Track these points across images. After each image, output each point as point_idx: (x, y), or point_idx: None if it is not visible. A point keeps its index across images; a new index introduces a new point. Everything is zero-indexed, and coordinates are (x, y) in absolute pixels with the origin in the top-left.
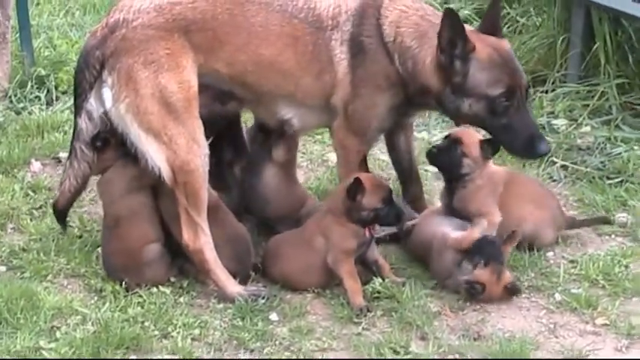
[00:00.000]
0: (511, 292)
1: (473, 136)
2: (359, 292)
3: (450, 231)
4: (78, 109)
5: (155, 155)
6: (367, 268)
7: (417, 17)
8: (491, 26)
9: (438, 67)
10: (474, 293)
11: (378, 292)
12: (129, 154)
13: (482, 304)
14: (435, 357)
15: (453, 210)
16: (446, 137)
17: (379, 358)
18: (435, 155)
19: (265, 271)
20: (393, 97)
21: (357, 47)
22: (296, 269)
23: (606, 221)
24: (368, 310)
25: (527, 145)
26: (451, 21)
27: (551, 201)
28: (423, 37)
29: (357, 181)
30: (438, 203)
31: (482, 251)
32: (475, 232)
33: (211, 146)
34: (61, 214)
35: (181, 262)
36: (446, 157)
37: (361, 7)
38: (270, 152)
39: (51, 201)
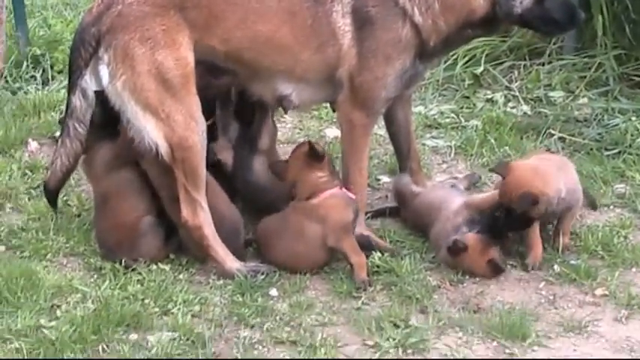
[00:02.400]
0: (493, 268)
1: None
2: (364, 266)
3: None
4: (72, 86)
5: (152, 132)
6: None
7: None
8: None
9: None
10: (454, 250)
11: (377, 267)
12: (108, 134)
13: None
14: (435, 330)
15: None
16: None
17: (379, 332)
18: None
19: (261, 256)
20: (403, 63)
21: (363, 19)
22: (289, 258)
23: (593, 206)
24: (369, 284)
25: (570, 17)
26: None
27: None
28: None
29: (309, 143)
30: (436, 177)
31: (486, 222)
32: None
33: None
34: (52, 194)
35: (179, 240)
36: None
37: None
38: (252, 144)
39: None
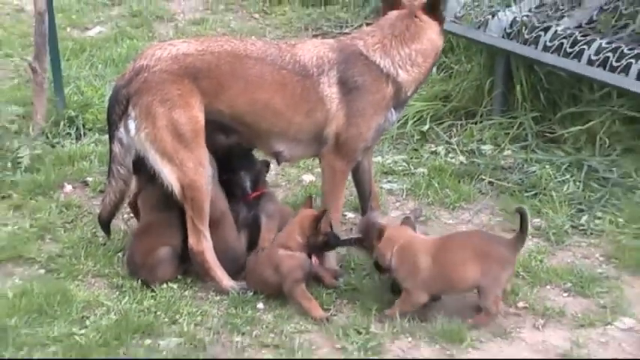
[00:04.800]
0: None
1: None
2: (316, 307)
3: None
4: (111, 137)
5: (169, 175)
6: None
7: (389, 36)
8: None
9: (439, 27)
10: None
11: (345, 285)
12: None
13: None
14: (390, 336)
15: None
16: None
17: (345, 337)
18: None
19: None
20: (383, 117)
21: (349, 86)
22: (264, 290)
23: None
24: (327, 320)
25: None
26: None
27: None
28: (417, 37)
29: (324, 212)
30: (391, 214)
31: None
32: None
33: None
34: (104, 224)
35: (186, 265)
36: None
37: (342, 57)
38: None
39: (84, 218)
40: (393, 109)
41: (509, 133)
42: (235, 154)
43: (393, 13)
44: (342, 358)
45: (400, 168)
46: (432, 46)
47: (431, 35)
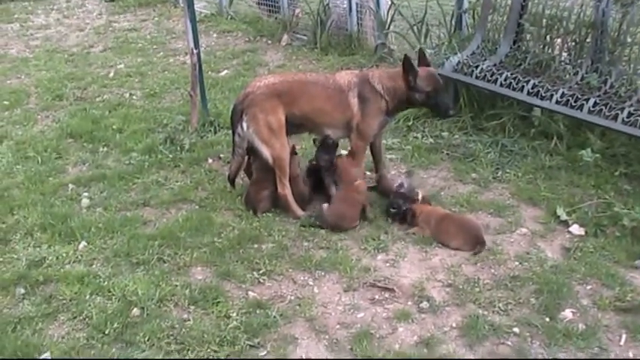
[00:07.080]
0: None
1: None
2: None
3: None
4: (233, 132)
5: (265, 152)
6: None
7: (384, 75)
8: (424, 63)
9: (406, 85)
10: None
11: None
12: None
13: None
14: (391, 242)
15: None
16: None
17: (367, 242)
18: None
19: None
20: (380, 118)
21: (363, 99)
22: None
23: None
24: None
25: (445, 110)
26: (408, 65)
27: None
28: (394, 80)
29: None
30: (392, 171)
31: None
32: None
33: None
34: (231, 181)
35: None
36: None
37: (359, 81)
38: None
39: (219, 177)
40: (387, 116)
41: (457, 125)
42: (325, 147)
43: (397, 68)
44: (369, 252)
45: (396, 146)
46: (399, 88)
47: (401, 83)
